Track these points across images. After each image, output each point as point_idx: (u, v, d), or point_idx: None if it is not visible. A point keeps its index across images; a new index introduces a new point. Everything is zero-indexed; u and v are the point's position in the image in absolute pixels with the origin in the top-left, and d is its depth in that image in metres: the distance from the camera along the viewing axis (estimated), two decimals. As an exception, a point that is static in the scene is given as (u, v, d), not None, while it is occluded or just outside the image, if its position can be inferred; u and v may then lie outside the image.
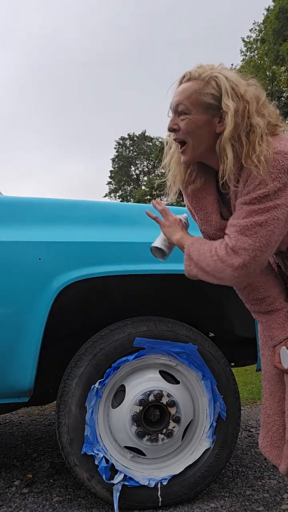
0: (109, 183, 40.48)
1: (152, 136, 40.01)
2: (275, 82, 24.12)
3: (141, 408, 1.72)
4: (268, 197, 1.14)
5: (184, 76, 1.22)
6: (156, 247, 1.37)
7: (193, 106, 1.19)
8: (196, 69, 1.21)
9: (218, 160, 1.21)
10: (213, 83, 1.18)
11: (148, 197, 30.59)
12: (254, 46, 25.59)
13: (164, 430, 1.75)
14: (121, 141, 40.07)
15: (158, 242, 1.38)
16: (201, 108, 1.19)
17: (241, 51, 25.92)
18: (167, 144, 1.34)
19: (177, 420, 1.76)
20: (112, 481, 1.71)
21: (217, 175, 1.30)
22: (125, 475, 1.74)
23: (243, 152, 1.15)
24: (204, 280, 1.28)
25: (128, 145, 40.57)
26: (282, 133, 1.21)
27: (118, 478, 1.72)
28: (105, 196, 39.52)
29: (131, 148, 40.50)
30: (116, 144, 40.09)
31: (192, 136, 1.21)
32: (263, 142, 1.14)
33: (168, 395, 1.75)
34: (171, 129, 1.22)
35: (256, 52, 25.49)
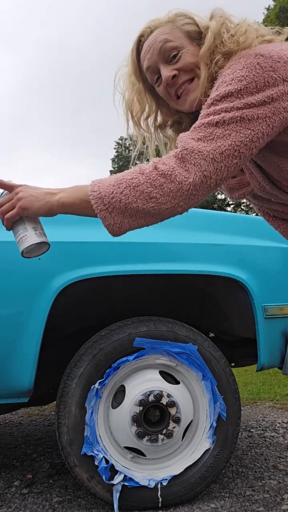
0: (109, 183, 40.43)
1: (152, 136, 39.92)
2: (275, 82, 24.13)
3: (141, 408, 1.72)
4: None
5: (142, 35, 1.05)
6: (37, 243, 1.05)
7: (180, 39, 1.02)
8: (151, 23, 1.05)
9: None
10: (180, 17, 1.04)
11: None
12: (254, 46, 25.60)
13: (164, 431, 1.74)
14: (120, 141, 40.07)
15: (31, 237, 1.04)
16: (188, 39, 1.03)
17: (241, 51, 25.95)
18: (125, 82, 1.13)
19: (177, 421, 1.75)
20: (112, 482, 1.71)
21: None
22: (125, 476, 1.73)
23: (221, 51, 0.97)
24: (135, 229, 0.98)
25: (127, 145, 40.56)
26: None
27: (118, 478, 1.72)
28: (105, 196, 39.43)
29: (131, 148, 40.37)
30: (116, 144, 40.10)
31: (199, 67, 1.00)
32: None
33: (168, 396, 1.75)
34: (170, 78, 1.02)
35: (256, 52, 25.49)
